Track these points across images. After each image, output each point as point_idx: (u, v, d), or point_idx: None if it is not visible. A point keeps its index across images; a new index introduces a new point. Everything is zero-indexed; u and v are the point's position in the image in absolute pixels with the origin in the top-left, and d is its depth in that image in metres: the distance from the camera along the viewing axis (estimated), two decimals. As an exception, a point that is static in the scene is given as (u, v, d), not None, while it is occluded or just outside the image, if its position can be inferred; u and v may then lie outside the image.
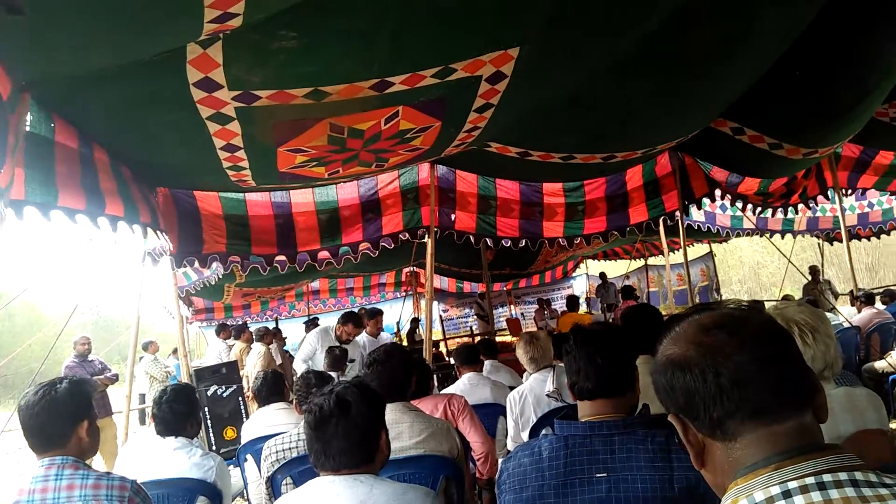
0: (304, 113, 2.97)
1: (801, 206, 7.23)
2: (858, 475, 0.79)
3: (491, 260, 10.00)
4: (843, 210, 7.08)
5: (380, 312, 6.64)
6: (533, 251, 10.75)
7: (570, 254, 12.54)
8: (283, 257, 5.15)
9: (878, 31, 3.78)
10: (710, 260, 13.00)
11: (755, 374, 0.86)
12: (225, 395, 6.56)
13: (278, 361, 9.20)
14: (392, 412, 2.55)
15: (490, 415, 3.97)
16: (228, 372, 6.81)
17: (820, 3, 3.40)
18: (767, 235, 9.15)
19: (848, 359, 6.58)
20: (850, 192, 7.33)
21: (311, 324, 10.02)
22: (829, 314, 7.15)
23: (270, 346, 8.80)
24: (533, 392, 3.62)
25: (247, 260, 5.15)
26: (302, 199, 5.02)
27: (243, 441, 3.83)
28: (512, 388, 3.99)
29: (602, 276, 13.54)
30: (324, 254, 5.34)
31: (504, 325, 12.32)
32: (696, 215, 8.43)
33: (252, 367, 8.20)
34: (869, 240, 9.82)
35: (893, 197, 7.37)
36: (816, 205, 7.73)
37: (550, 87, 3.39)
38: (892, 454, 1.79)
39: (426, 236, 5.45)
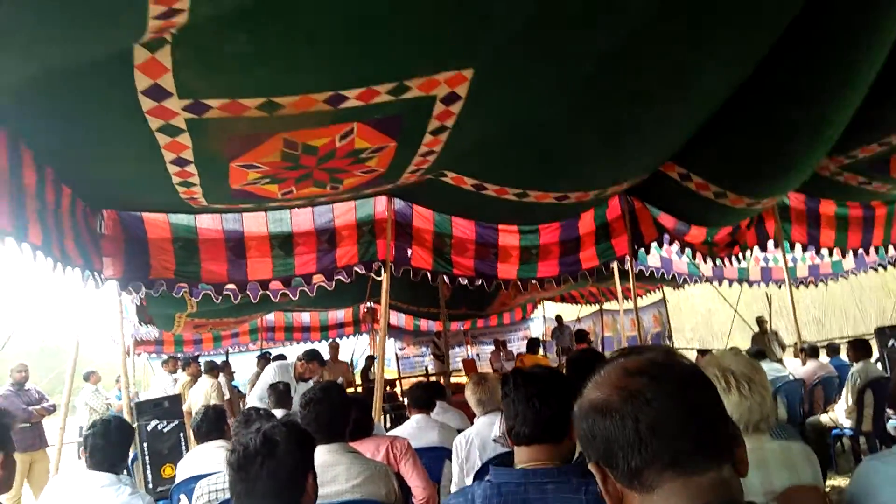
0: (257, 127, 2.95)
1: (752, 255, 7.40)
2: None
3: (447, 298, 9.98)
4: (787, 262, 7.26)
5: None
6: (489, 292, 10.85)
7: (527, 297, 12.62)
8: (233, 286, 5.04)
9: (810, 91, 3.95)
10: (662, 306, 13.20)
11: (675, 422, 0.85)
12: (166, 430, 6.28)
13: (226, 396, 8.94)
14: (329, 453, 2.48)
15: (436, 458, 3.88)
16: (171, 405, 6.52)
17: (754, 62, 3.57)
18: (716, 284, 9.33)
19: (792, 411, 6.69)
20: (810, 248, 7.47)
21: (263, 358, 9.80)
22: (776, 365, 7.31)
23: (218, 380, 8.54)
24: (479, 436, 3.53)
25: (196, 287, 5.03)
26: (255, 223, 4.94)
27: (178, 479, 3.69)
28: (460, 430, 3.93)
29: (558, 318, 13.60)
30: (276, 284, 5.23)
31: (460, 365, 12.23)
32: (653, 260, 8.53)
33: (202, 400, 7.94)
34: (816, 286, 10.11)
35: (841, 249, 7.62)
36: (768, 253, 7.89)
37: (504, 113, 3.45)
38: None
39: (382, 271, 5.41)
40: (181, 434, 6.35)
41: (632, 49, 3.06)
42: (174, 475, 5.91)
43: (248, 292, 5.14)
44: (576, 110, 3.56)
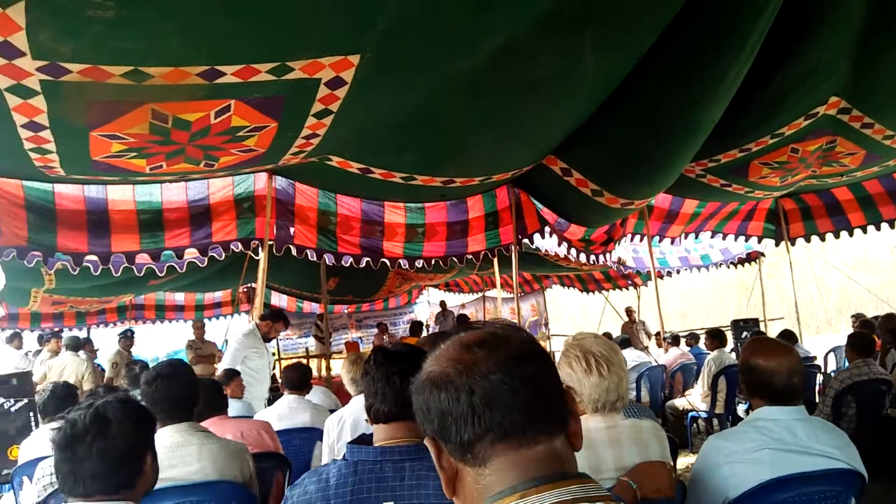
0: (122, 94, 2.72)
1: (619, 246, 7.82)
2: None
3: (333, 288, 9.84)
4: (652, 255, 7.69)
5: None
6: (375, 279, 10.75)
7: (412, 284, 12.67)
8: (94, 257, 4.62)
9: (679, 95, 4.20)
10: (540, 296, 13.70)
11: (507, 394, 0.84)
12: (14, 409, 5.79)
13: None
14: (177, 434, 2.36)
15: (308, 439, 3.84)
16: (20, 383, 6.02)
17: (633, 62, 3.73)
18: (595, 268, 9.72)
19: (654, 395, 7.15)
20: (660, 240, 7.95)
21: (124, 336, 9.27)
22: (640, 352, 7.77)
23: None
24: (353, 415, 3.49)
25: (51, 257, 4.60)
26: (121, 195, 4.56)
27: (21, 461, 3.48)
28: (332, 411, 3.87)
29: (442, 304, 13.78)
30: (143, 257, 4.87)
31: (343, 347, 12.12)
32: (537, 243, 8.69)
33: (72, 380, 7.36)
34: (690, 271, 10.84)
35: (709, 241, 8.20)
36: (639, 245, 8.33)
37: (391, 101, 3.40)
38: (671, 485, 1.89)
39: (260, 250, 5.20)
40: (31, 413, 5.89)
41: (521, 43, 3.11)
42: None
43: (110, 265, 4.76)
44: (462, 101, 3.58)
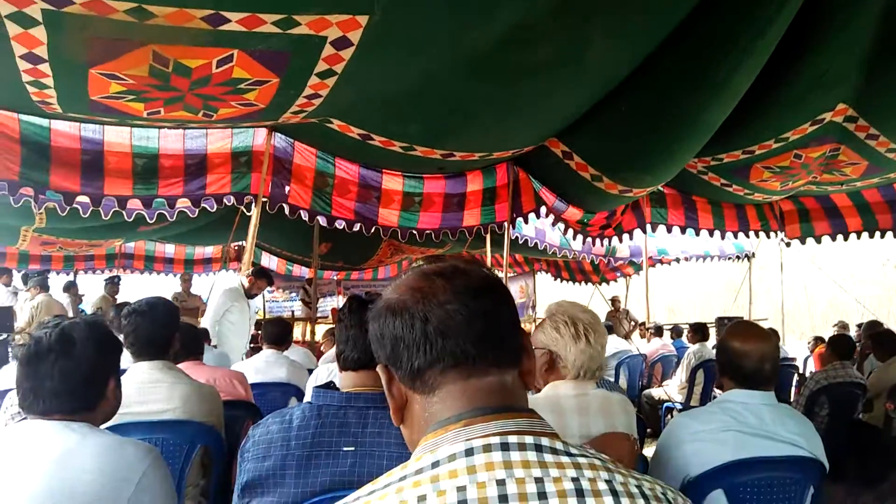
0: (123, 32, 2.68)
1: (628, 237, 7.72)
2: (545, 441, 0.81)
3: (325, 253, 9.84)
4: (646, 247, 7.67)
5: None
6: (369, 248, 10.74)
7: (403, 256, 12.67)
8: (85, 198, 4.59)
9: (685, 94, 4.19)
10: (530, 278, 13.78)
11: (461, 323, 0.85)
12: (-8, 340, 5.86)
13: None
14: (150, 371, 2.38)
15: (284, 394, 3.86)
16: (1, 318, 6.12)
17: (641, 54, 3.71)
18: (584, 257, 9.76)
19: (632, 383, 7.22)
20: (689, 230, 7.66)
21: (111, 282, 9.28)
22: (622, 340, 7.82)
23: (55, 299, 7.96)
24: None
25: (42, 195, 4.58)
26: (117, 138, 4.52)
27: None
28: (310, 371, 3.92)
29: (431, 277, 13.80)
30: (135, 202, 4.85)
31: (329, 313, 12.14)
32: (527, 230, 8.69)
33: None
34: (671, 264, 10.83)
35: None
36: (632, 238, 8.21)
37: (396, 69, 3.36)
38: (632, 458, 1.93)
39: (253, 206, 5.19)
40: (9, 349, 5.93)
41: (532, 23, 3.08)
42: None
43: (101, 208, 4.74)
44: (467, 76, 3.53)
